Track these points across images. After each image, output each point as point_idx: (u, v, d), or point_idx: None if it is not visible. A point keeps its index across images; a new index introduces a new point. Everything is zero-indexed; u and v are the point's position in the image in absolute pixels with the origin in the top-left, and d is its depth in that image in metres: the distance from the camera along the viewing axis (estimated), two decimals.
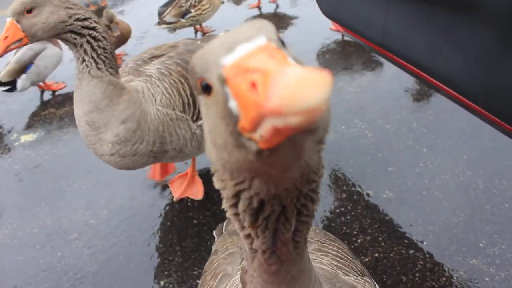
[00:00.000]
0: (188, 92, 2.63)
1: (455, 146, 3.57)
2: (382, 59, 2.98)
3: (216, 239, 2.00)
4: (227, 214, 0.75)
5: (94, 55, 2.23)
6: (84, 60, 2.23)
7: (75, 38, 2.20)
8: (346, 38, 5.48)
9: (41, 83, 5.09)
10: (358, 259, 1.51)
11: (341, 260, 1.33)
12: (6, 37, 2.08)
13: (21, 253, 3.09)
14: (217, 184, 0.73)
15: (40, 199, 3.54)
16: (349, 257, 1.40)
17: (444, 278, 2.59)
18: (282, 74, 0.47)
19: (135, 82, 2.52)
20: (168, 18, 5.49)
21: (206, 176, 3.50)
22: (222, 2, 6.55)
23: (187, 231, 3.10)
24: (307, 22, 6.27)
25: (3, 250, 3.14)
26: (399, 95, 4.34)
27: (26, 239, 3.20)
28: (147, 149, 2.47)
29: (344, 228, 2.98)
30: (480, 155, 3.46)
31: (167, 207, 3.32)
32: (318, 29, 5.76)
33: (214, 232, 2.14)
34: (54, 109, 4.84)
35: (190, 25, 5.69)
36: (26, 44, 2.17)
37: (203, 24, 6.23)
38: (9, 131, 4.56)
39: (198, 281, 2.60)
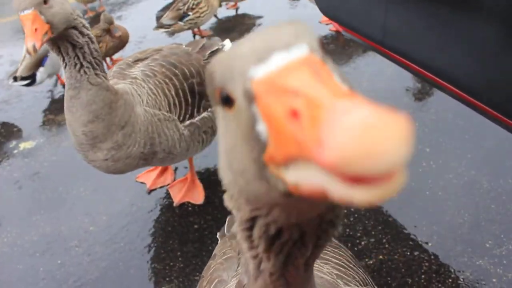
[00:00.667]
0: (173, 92, 2.61)
1: (459, 145, 3.53)
2: (382, 59, 2.93)
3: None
4: (238, 237, 0.67)
5: (91, 58, 2.16)
6: (82, 66, 2.15)
7: (78, 37, 2.10)
8: (345, 38, 5.44)
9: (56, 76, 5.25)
10: (361, 267, 1.45)
11: (342, 269, 1.28)
12: (36, 29, 1.90)
13: (21, 262, 3.05)
14: (229, 204, 0.65)
15: (40, 207, 3.51)
16: (351, 265, 1.35)
17: (450, 280, 2.54)
18: (343, 113, 0.35)
19: (121, 84, 2.48)
20: (165, 20, 5.47)
21: (206, 180, 3.46)
22: (220, 5, 6.53)
23: (188, 236, 3.06)
24: (305, 22, 6.25)
25: (3, 259, 3.10)
26: (400, 94, 4.30)
27: (26, 247, 3.16)
28: (138, 151, 2.44)
29: (348, 230, 2.94)
30: (484, 154, 3.42)
31: (167, 212, 3.28)
32: (316, 30, 5.73)
33: (218, 234, 2.09)
34: (53, 116, 4.81)
35: (188, 28, 5.66)
36: (50, 38, 2.00)
37: (202, 27, 6.20)
38: (9, 139, 4.53)
39: None
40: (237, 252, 1.42)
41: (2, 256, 3.13)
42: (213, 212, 3.22)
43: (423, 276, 2.59)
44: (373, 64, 4.84)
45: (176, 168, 3.66)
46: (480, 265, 2.60)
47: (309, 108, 0.37)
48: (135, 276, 2.82)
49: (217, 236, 2.06)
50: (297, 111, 0.38)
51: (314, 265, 1.24)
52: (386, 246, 2.80)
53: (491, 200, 3.01)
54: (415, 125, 3.82)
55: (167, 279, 2.78)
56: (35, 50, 1.89)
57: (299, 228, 0.60)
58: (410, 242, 2.80)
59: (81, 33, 2.12)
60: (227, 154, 0.55)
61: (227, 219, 1.98)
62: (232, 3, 6.84)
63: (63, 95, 5.17)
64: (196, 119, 2.75)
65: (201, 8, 5.50)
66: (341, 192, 0.34)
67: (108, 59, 5.41)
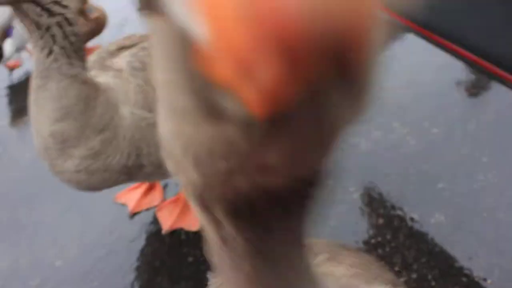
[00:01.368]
0: None
1: None
2: (426, 45, 2.92)
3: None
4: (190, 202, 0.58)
5: (66, 43, 2.13)
6: (51, 52, 2.12)
7: (40, 15, 2.05)
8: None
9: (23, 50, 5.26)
10: (392, 271, 1.44)
11: (360, 269, 1.26)
12: None
13: None
14: (172, 168, 0.56)
15: None
16: (373, 266, 1.34)
17: None
18: None
19: (102, 78, 2.47)
20: None
21: None
22: None
23: (181, 272, 3.05)
24: None
25: None
26: (450, 89, 4.28)
27: None
28: (120, 163, 2.43)
29: (383, 263, 2.91)
30: None
31: (155, 242, 3.28)
32: None
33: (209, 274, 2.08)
34: (8, 121, 4.83)
35: None
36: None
37: None
38: None
39: None
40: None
41: None
42: None
43: None
44: (416, 52, 4.81)
45: (165, 185, 3.66)
46: None
47: None
48: None
49: (209, 277, 2.04)
50: None
51: (324, 269, 1.22)
52: (433, 284, 2.78)
53: None
54: (469, 128, 3.80)
55: None
56: None
57: (271, 195, 0.50)
58: (464, 279, 2.78)
59: (48, 10, 2.06)
60: (165, 96, 0.47)
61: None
62: None
63: (26, 84, 5.22)
64: None
65: None
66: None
67: None
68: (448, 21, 2.45)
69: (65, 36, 2.13)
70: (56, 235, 3.44)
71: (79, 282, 3.08)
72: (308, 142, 0.40)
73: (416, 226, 3.12)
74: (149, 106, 2.55)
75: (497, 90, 4.11)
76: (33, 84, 2.24)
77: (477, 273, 2.80)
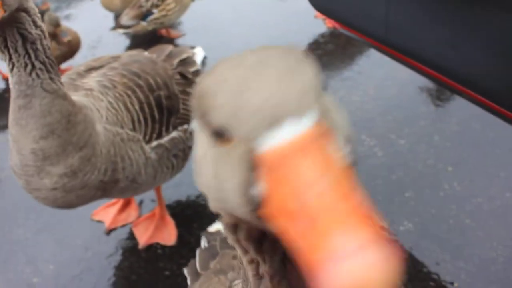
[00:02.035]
0: (137, 107, 2.66)
1: (489, 162, 3.61)
2: (390, 60, 3.02)
3: (189, 280, 1.98)
4: (229, 241, 0.81)
5: (45, 58, 2.17)
6: (33, 68, 2.15)
7: (30, 25, 2.10)
8: (346, 35, 5.54)
9: None
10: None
11: None
12: None
13: None
14: (212, 206, 0.77)
15: None
16: None
17: None
18: (349, 254, 0.55)
19: (75, 97, 2.48)
20: (125, 20, 5.55)
21: (179, 215, 3.49)
22: (193, 0, 6.63)
23: (158, 286, 3.08)
24: (298, 17, 6.35)
25: None
26: (415, 102, 4.40)
27: None
28: (97, 179, 2.46)
29: None
30: None
31: (131, 257, 3.30)
32: (311, 27, 5.83)
33: (185, 270, 2.10)
34: None
35: (153, 29, 5.75)
36: (2, 17, 1.97)
37: (171, 28, 6.29)
38: None
39: None
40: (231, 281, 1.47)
41: None
42: (188, 254, 3.24)
43: None
44: (381, 67, 4.92)
45: (141, 202, 3.69)
46: None
47: (319, 223, 0.57)
48: None
49: (185, 273, 2.08)
50: (307, 211, 0.57)
51: None
52: None
53: None
54: (434, 139, 3.90)
55: None
56: None
57: None
58: (432, 283, 2.84)
59: (34, 22, 2.13)
60: (216, 179, 0.69)
61: (197, 252, 2.01)
62: None
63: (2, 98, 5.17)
64: (165, 139, 2.80)
65: (168, 4, 5.59)
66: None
67: None
68: (403, 36, 2.53)
69: (44, 50, 2.18)
70: (31, 253, 3.43)
71: None
72: None
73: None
74: (120, 122, 2.60)
75: (459, 102, 4.22)
76: (14, 105, 2.23)
77: (444, 277, 2.87)
